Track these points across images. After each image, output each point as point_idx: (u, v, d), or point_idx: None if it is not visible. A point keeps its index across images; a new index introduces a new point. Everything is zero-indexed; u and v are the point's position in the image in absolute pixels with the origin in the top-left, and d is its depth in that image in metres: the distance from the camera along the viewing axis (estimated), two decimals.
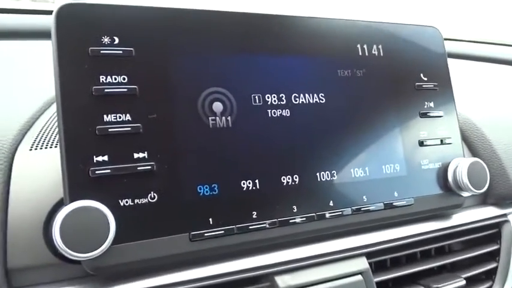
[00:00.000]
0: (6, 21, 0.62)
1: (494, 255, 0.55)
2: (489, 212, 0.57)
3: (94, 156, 0.35)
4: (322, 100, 0.45)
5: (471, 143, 0.58)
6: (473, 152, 0.58)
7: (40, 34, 0.61)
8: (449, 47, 0.89)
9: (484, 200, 0.58)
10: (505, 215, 0.57)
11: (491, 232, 0.56)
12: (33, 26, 0.62)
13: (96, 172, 0.34)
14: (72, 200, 0.33)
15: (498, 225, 0.57)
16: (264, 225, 0.40)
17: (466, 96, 0.66)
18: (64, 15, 0.35)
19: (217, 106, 0.40)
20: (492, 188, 0.57)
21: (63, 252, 0.32)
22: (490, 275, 0.55)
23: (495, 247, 0.56)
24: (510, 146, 0.59)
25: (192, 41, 0.40)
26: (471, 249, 0.54)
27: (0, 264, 0.34)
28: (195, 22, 0.40)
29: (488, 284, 0.54)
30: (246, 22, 0.43)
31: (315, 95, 0.45)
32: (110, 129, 0.35)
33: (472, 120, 0.59)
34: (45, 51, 0.49)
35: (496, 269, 0.55)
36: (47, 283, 0.36)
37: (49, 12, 0.64)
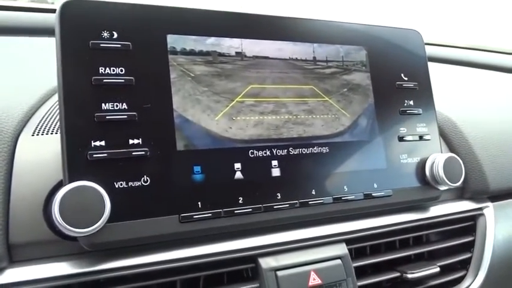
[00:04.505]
0: (9, 18, 0.65)
1: (469, 246, 0.58)
2: (465, 205, 0.60)
3: (92, 141, 0.37)
4: (306, 97, 0.48)
5: (449, 139, 0.61)
6: (451, 148, 0.60)
7: (42, 31, 0.63)
8: (433, 51, 0.93)
9: (461, 194, 0.61)
10: (480, 208, 0.60)
11: (467, 224, 0.59)
12: (35, 23, 0.64)
13: (94, 156, 0.37)
14: (71, 181, 0.35)
15: (473, 218, 0.60)
16: (249, 210, 0.42)
17: (447, 97, 0.69)
18: (67, 10, 0.38)
19: None
20: (468, 183, 0.60)
21: (62, 228, 0.34)
22: (465, 264, 0.57)
23: (470, 238, 0.58)
24: (486, 144, 0.62)
25: (186, 36, 0.43)
26: (447, 239, 0.57)
27: (2, 239, 0.36)
28: (188, 19, 0.43)
29: (462, 273, 0.57)
30: (241, 20, 0.46)
31: (299, 92, 0.48)
32: (107, 117, 0.38)
33: (451, 118, 0.62)
34: (46, 47, 0.52)
35: (470, 259, 0.57)
36: (45, 258, 0.38)
37: (51, 11, 0.67)
